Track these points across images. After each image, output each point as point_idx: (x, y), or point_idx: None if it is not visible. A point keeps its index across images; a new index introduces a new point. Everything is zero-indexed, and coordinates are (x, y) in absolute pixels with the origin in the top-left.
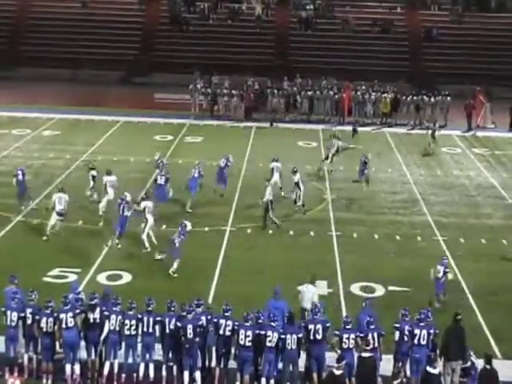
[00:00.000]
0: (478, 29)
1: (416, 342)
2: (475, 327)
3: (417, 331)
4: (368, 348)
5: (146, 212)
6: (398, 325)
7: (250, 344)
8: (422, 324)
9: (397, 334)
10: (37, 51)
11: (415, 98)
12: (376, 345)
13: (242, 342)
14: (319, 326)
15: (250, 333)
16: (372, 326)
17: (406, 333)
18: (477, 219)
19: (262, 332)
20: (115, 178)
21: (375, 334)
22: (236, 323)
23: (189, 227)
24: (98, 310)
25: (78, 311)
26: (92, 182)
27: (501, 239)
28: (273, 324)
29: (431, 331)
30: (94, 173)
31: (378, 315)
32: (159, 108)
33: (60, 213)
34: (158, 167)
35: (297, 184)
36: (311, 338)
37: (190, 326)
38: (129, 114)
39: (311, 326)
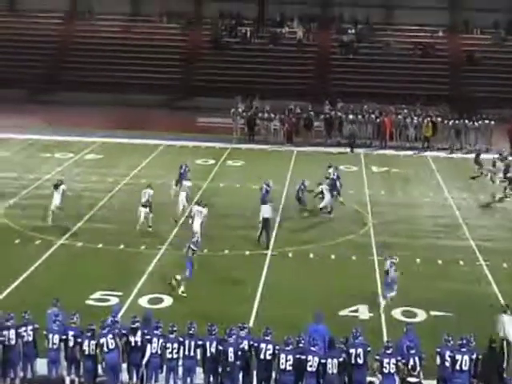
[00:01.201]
0: None
1: (458, 367)
2: None
3: (458, 357)
4: (414, 373)
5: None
6: (439, 349)
7: (290, 368)
8: (463, 349)
9: (438, 358)
10: (80, 76)
11: (456, 122)
12: (417, 369)
13: (282, 367)
14: (360, 350)
15: (290, 357)
16: (412, 351)
17: (447, 358)
18: None
19: (303, 357)
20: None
21: (416, 359)
22: (276, 347)
23: (396, 260)
24: (139, 333)
25: (116, 331)
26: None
27: None
28: (313, 348)
29: (473, 357)
30: (64, 187)
31: (419, 340)
32: (201, 132)
33: (144, 204)
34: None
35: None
36: (352, 362)
37: (231, 350)
38: (171, 137)
39: (352, 350)
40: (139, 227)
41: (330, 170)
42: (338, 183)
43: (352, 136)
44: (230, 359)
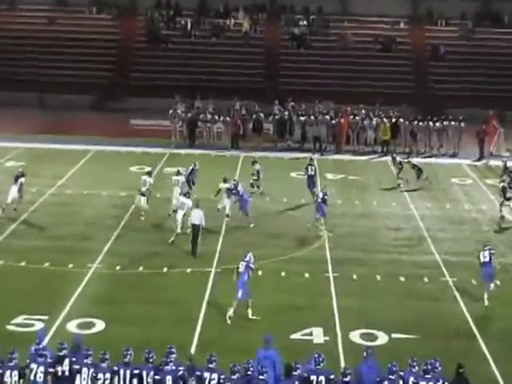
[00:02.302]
0: (489, 46)
1: None
2: (488, 377)
3: (422, 383)
4: None
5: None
6: (402, 373)
7: None
8: (427, 376)
9: (400, 383)
10: None
11: (420, 124)
12: None
13: None
14: (322, 378)
15: None
16: (392, 377)
17: None
18: None
19: None
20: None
21: None
22: (222, 376)
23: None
24: (66, 361)
25: (44, 360)
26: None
27: None
28: (261, 377)
29: (439, 383)
30: (23, 180)
31: (380, 366)
32: (136, 136)
33: (143, 193)
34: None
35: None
36: None
37: (169, 378)
38: (102, 142)
39: (313, 377)
40: (143, 216)
41: (256, 167)
42: (314, 179)
43: (318, 139)
44: None
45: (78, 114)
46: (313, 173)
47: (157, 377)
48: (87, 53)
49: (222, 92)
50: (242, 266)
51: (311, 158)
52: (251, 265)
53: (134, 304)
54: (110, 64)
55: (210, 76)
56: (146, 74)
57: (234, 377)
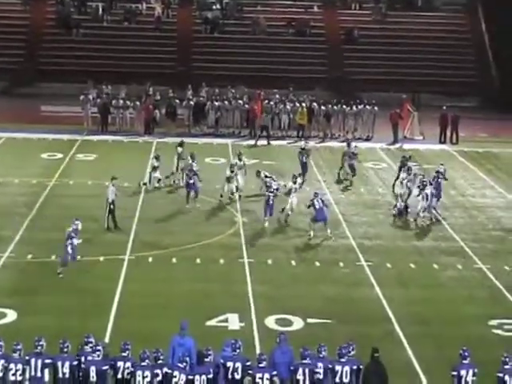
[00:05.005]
0: (403, 29)
1: (338, 380)
2: (404, 361)
3: (338, 368)
4: None
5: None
6: (309, 361)
7: None
8: (342, 360)
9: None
10: None
11: (334, 107)
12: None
13: None
14: (238, 365)
15: (148, 373)
16: (306, 361)
17: (318, 370)
18: (405, 241)
19: (169, 371)
20: None
21: (306, 370)
22: (136, 364)
23: None
24: None
25: None
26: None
27: (431, 263)
28: (180, 365)
29: (354, 367)
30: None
31: (294, 351)
32: (46, 122)
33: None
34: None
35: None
36: (229, 377)
37: (93, 368)
38: (12, 129)
39: (230, 364)
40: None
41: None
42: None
43: (265, 127)
44: (91, 379)
45: None
46: (305, 160)
47: (83, 366)
48: None
49: (133, 77)
50: (317, 203)
51: (304, 148)
52: (326, 202)
53: (46, 293)
54: (20, 49)
55: (121, 61)
56: (56, 59)
57: (144, 364)
